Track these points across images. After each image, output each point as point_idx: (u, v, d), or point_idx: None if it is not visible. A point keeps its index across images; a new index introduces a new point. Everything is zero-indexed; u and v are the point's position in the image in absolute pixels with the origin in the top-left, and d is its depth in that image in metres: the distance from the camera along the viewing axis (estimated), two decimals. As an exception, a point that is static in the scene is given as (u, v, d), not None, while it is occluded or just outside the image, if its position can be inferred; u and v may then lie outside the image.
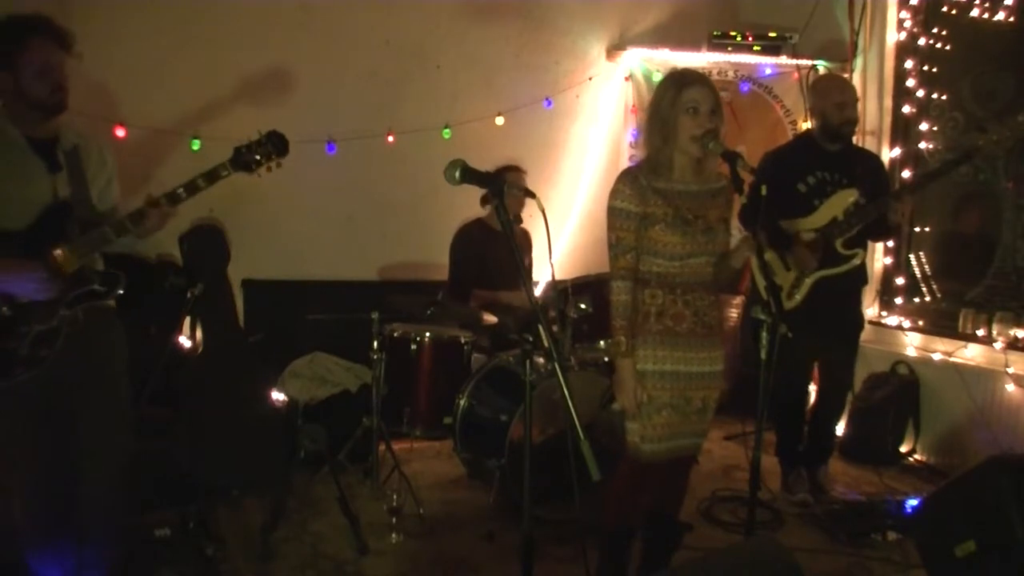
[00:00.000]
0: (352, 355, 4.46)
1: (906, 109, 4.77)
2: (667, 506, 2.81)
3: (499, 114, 5.10)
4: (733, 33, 5.27)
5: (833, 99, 3.66)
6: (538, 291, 5.05)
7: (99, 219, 2.45)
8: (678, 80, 2.52)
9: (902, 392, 4.47)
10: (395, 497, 3.35)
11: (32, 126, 2.42)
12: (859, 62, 5.09)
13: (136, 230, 2.42)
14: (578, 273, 4.76)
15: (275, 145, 2.58)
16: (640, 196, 2.50)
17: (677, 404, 2.55)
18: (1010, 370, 4.00)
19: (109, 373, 2.57)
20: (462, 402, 3.74)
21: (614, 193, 2.54)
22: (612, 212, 2.54)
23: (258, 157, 2.56)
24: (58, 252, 2.35)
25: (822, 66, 5.15)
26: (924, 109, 4.70)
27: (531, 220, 4.49)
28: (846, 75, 5.01)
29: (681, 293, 2.54)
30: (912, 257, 4.76)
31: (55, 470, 2.50)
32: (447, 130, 4.97)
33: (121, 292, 2.50)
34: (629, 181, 2.53)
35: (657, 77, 5.04)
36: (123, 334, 2.65)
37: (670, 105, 2.48)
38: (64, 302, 2.39)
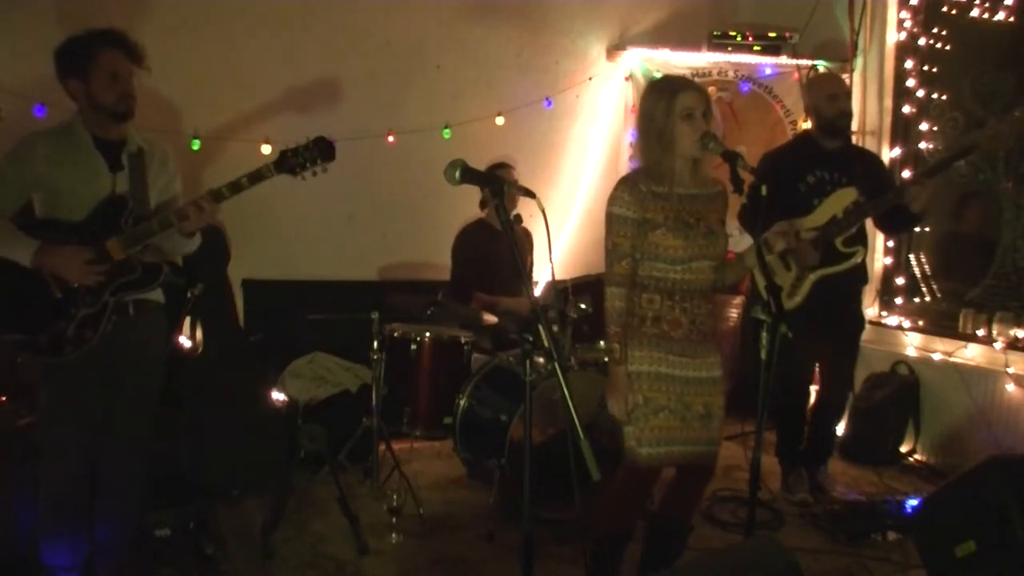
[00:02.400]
0: (352, 355, 4.46)
1: (906, 109, 4.77)
2: (677, 513, 2.80)
3: (499, 114, 5.10)
4: (733, 33, 5.27)
5: (824, 92, 3.68)
6: (538, 291, 5.05)
7: (148, 214, 2.61)
8: (668, 87, 2.52)
9: (902, 392, 4.47)
10: (395, 497, 3.35)
11: (102, 129, 2.60)
12: (859, 62, 5.09)
13: (179, 225, 2.55)
14: (578, 273, 4.77)
15: (322, 151, 2.68)
16: (639, 202, 2.49)
17: (676, 409, 2.53)
18: (1010, 370, 4.00)
19: (147, 364, 2.74)
20: (462, 402, 3.74)
21: (612, 199, 2.54)
22: (610, 218, 2.54)
23: (303, 161, 2.66)
24: (109, 242, 2.53)
25: (822, 66, 5.15)
26: (924, 109, 4.70)
27: (531, 220, 4.49)
28: (846, 75, 5.02)
29: (680, 300, 2.53)
30: (912, 257, 4.76)
31: (87, 457, 2.64)
32: (447, 130, 4.97)
33: (161, 281, 2.66)
34: (628, 188, 2.52)
35: (657, 77, 5.04)
36: (164, 330, 2.84)
37: (665, 114, 2.47)
38: (109, 289, 2.56)
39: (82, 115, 2.60)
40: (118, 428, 2.67)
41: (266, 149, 4.39)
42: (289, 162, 2.65)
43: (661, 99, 2.49)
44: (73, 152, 2.56)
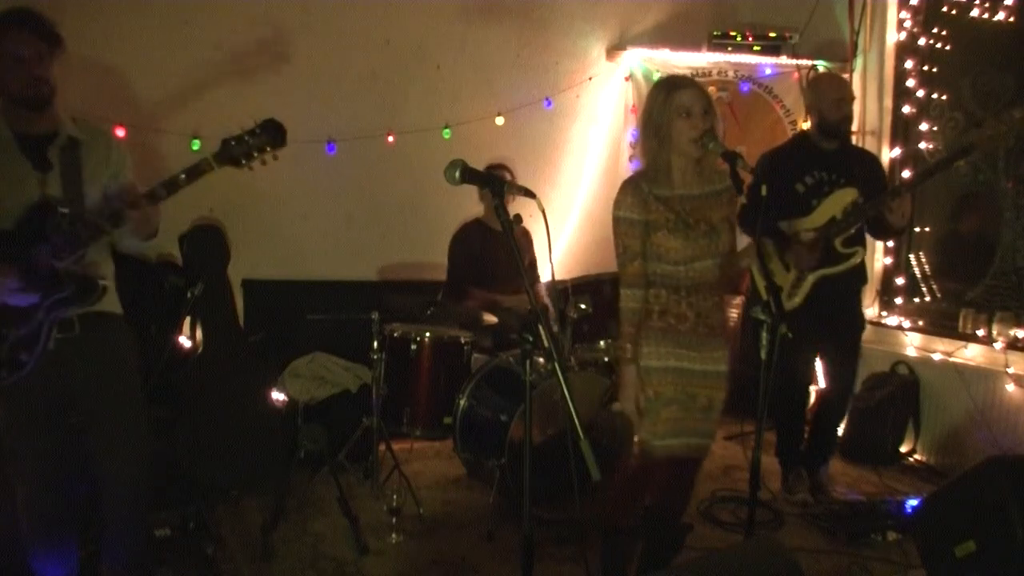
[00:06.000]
0: (352, 355, 4.46)
1: (906, 109, 4.77)
2: (671, 508, 2.81)
3: (499, 114, 5.10)
4: (733, 33, 5.27)
5: (831, 95, 3.67)
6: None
7: (78, 219, 2.32)
8: (667, 85, 2.56)
9: (902, 392, 4.47)
10: (395, 497, 3.36)
11: (24, 123, 2.34)
12: (859, 62, 5.09)
13: (114, 231, 2.32)
14: (578, 273, 4.77)
15: (270, 135, 2.38)
16: (642, 204, 2.53)
17: (682, 400, 2.57)
18: (1010, 370, 4.00)
19: (116, 376, 2.54)
20: (462, 402, 3.74)
21: (617, 203, 2.58)
22: (617, 222, 2.58)
23: (248, 150, 2.38)
24: (36, 252, 2.27)
25: (822, 66, 5.15)
26: (924, 109, 4.69)
27: (531, 220, 4.49)
28: (846, 75, 5.01)
29: (685, 294, 2.57)
30: (912, 257, 4.76)
31: (58, 472, 2.50)
32: (447, 130, 4.97)
33: (94, 301, 2.40)
34: (631, 190, 2.56)
35: (657, 77, 5.04)
36: (128, 337, 2.62)
37: (662, 110, 2.51)
38: (42, 307, 2.32)
39: (3, 111, 2.33)
40: (111, 436, 2.52)
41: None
42: (232, 151, 2.36)
43: (659, 96, 2.54)
44: None
